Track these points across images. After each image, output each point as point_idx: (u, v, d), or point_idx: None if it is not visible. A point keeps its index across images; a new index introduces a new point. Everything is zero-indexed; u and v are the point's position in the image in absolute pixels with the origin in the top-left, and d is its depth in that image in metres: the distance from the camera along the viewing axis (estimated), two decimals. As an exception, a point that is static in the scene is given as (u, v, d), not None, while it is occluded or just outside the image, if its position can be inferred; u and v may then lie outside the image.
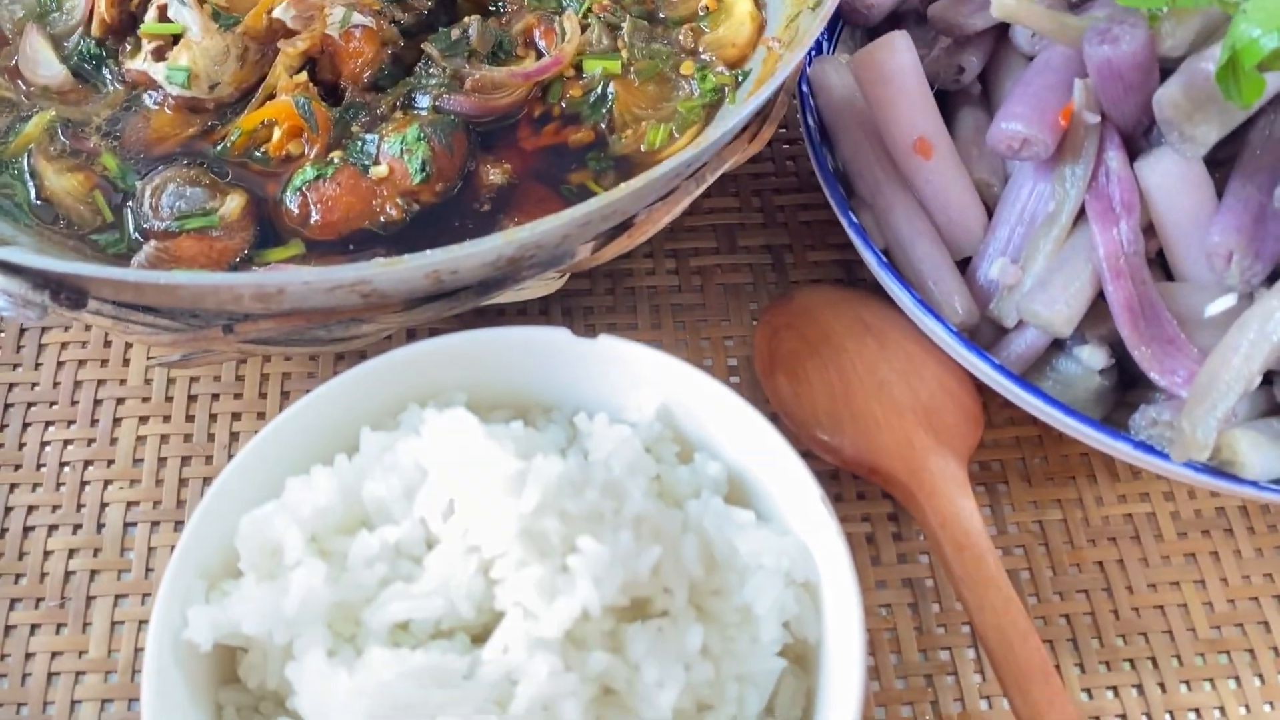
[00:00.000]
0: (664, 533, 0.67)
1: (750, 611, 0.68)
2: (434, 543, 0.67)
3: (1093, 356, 0.86)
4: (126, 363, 0.95)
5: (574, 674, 0.61)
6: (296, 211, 0.87)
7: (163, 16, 0.92)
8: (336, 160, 0.88)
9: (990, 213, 0.92)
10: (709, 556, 0.69)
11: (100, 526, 0.88)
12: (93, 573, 0.86)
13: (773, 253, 1.04)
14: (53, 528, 0.88)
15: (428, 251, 0.72)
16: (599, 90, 0.93)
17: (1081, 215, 0.86)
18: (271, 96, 0.91)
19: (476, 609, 0.64)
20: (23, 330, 0.96)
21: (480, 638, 0.65)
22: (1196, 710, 0.83)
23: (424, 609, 0.63)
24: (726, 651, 0.66)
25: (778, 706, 0.69)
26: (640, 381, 0.77)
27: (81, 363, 0.95)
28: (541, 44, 0.95)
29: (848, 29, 1.05)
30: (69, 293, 0.74)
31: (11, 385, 0.94)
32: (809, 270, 1.03)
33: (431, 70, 0.92)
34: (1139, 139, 0.87)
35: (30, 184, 0.89)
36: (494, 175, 0.90)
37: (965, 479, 0.84)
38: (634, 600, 0.66)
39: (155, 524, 0.88)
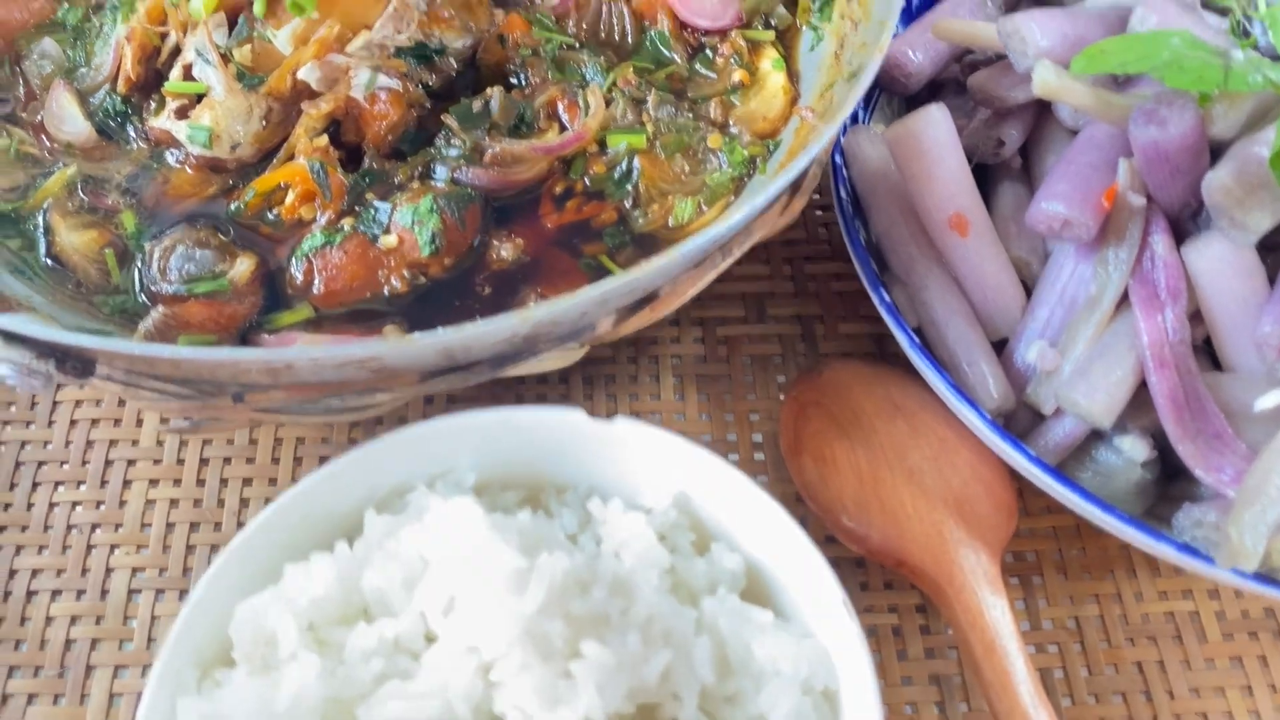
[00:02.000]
0: (675, 635, 0.64)
1: (764, 721, 0.64)
2: (433, 638, 0.64)
3: (1134, 448, 0.82)
4: (140, 423, 0.94)
5: (574, 788, 0.58)
6: (301, 279, 0.85)
7: (188, 75, 0.91)
8: (346, 228, 0.86)
9: (1028, 292, 0.88)
10: (723, 660, 0.65)
11: (104, 593, 0.86)
12: (94, 641, 0.84)
13: (803, 323, 1.01)
14: (56, 593, 0.86)
15: (439, 329, 0.69)
16: (624, 165, 0.91)
17: (1124, 300, 0.83)
18: (293, 158, 0.90)
19: (474, 712, 0.61)
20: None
21: (478, 741, 0.62)
22: (1240, 830, 0.79)
23: (420, 710, 0.60)
24: (737, 764, 0.63)
25: (791, 820, 0.65)
26: (658, 466, 0.74)
27: (94, 422, 0.94)
28: (565, 117, 0.93)
29: (884, 97, 1.02)
30: (75, 362, 0.72)
31: (24, 443, 0.93)
32: (840, 342, 1.00)
33: (452, 141, 0.90)
34: (1186, 222, 0.83)
35: (42, 240, 0.88)
36: (505, 251, 0.88)
37: (998, 575, 0.80)
38: (640, 707, 0.63)
39: (160, 592, 0.86)
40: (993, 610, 0.78)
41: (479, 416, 0.73)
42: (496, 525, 0.64)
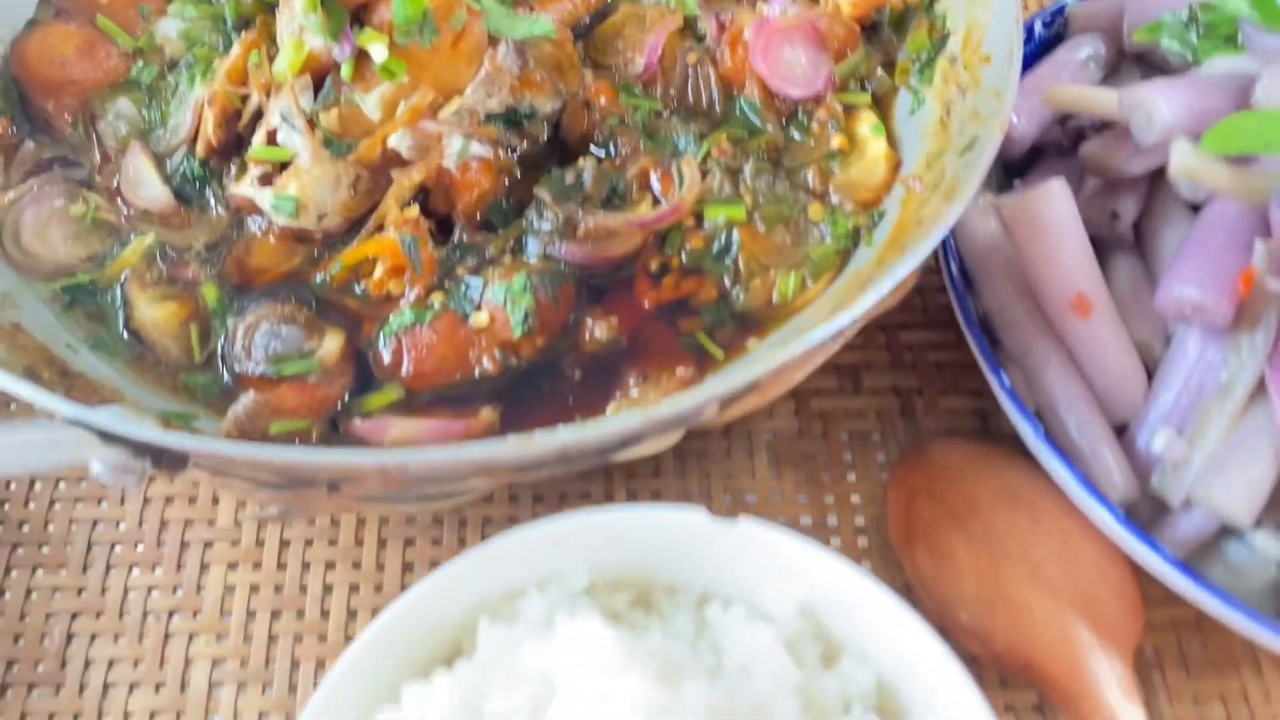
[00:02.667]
0: (818, 767, 0.60)
1: None
2: (564, 773, 0.60)
3: (1270, 545, 0.78)
4: (216, 503, 0.90)
5: None
6: (389, 359, 0.82)
7: (272, 140, 0.87)
8: (436, 305, 0.83)
9: (1149, 375, 0.84)
10: (867, 793, 0.61)
11: (184, 686, 0.83)
12: (174, 741, 0.81)
13: (900, 396, 0.97)
14: (134, 685, 0.83)
15: (560, 429, 0.66)
16: (723, 239, 0.87)
17: (1259, 388, 0.79)
18: (381, 228, 0.86)
19: None
20: (110, 465, 0.91)
21: None
22: None
23: None
24: None
25: None
26: (780, 568, 0.70)
27: (169, 500, 0.91)
28: (657, 188, 0.89)
29: (985, 161, 0.98)
30: (170, 457, 0.68)
31: (96, 522, 0.90)
32: (940, 417, 0.96)
33: (545, 214, 0.86)
34: (1326, 308, 0.79)
35: (120, 314, 0.84)
36: (599, 331, 0.84)
37: (1133, 683, 0.76)
38: None
39: (242, 685, 0.83)
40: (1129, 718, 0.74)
41: (593, 518, 0.69)
42: (629, 648, 0.60)
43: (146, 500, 0.90)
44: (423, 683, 0.63)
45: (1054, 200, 0.84)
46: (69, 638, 0.84)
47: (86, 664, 0.83)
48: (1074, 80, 0.97)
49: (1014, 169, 1.00)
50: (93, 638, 0.84)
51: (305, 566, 0.87)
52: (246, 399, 0.78)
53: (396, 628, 0.64)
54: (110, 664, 0.83)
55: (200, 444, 0.65)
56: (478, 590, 0.68)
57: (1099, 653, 0.76)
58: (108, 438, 0.65)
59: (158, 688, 0.82)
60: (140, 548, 0.88)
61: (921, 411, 0.97)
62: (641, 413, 0.67)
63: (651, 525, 0.70)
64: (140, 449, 0.66)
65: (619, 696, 0.58)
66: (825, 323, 0.72)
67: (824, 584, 0.69)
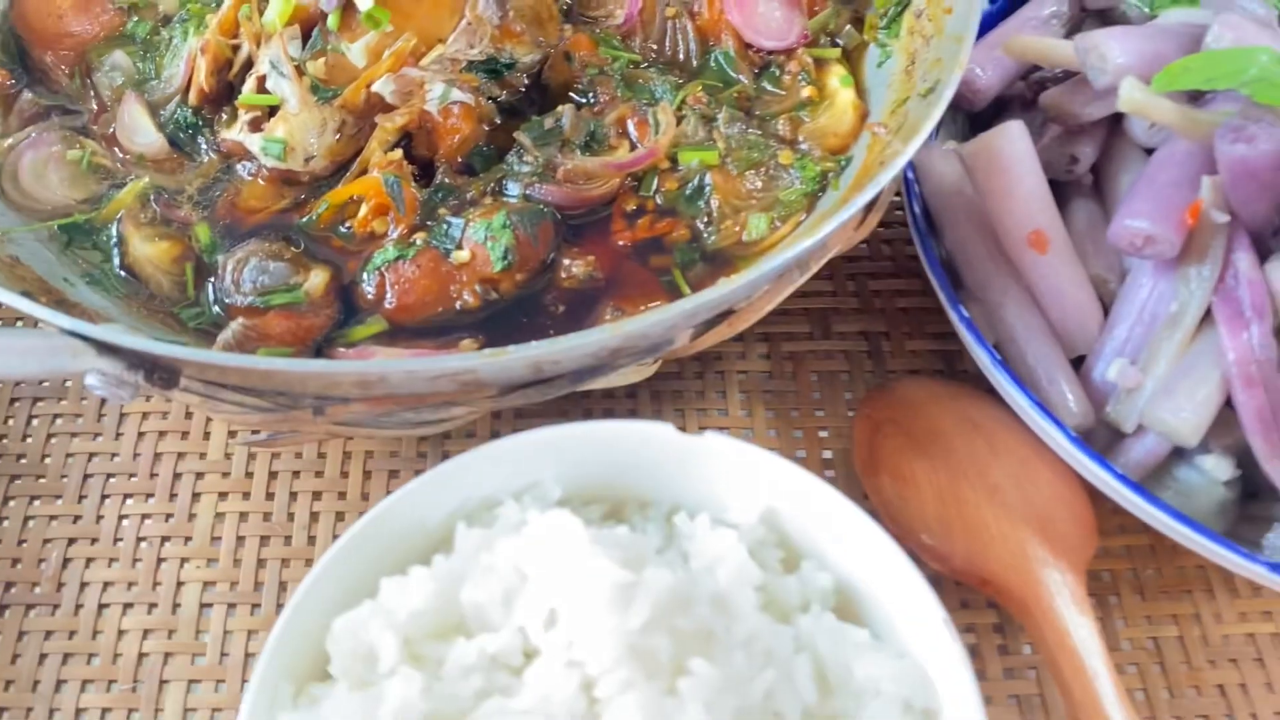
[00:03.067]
0: (776, 653, 0.63)
1: (867, 740, 0.64)
2: (533, 654, 0.63)
3: (1218, 467, 0.82)
4: (207, 436, 0.93)
5: (682, 806, 0.57)
6: (373, 292, 0.85)
7: (261, 88, 0.91)
8: (419, 242, 0.86)
9: (1106, 310, 0.88)
10: (823, 679, 0.65)
11: (176, 606, 0.86)
12: (167, 655, 0.84)
13: (869, 340, 1.01)
14: (128, 606, 0.86)
15: (533, 343, 0.69)
16: (696, 182, 0.91)
17: (1206, 317, 0.82)
18: (366, 171, 0.90)
19: (579, 729, 0.60)
20: (104, 400, 0.95)
21: (581, 760, 0.61)
22: None
23: (524, 727, 0.60)
24: (842, 782, 0.62)
25: (891, 840, 0.64)
26: (744, 481, 0.73)
27: (162, 434, 0.94)
28: (635, 135, 0.92)
29: (949, 113, 1.01)
30: (162, 373, 0.72)
31: (92, 455, 0.93)
32: (907, 360, 1.00)
33: (525, 158, 0.90)
34: (1269, 240, 0.83)
35: (116, 251, 0.88)
36: (577, 268, 0.87)
37: (1084, 595, 0.79)
38: (745, 726, 0.62)
39: (232, 606, 0.86)
40: (1080, 630, 0.77)
41: (567, 431, 0.72)
42: (597, 539, 0.64)
43: (141, 435, 0.94)
44: (400, 576, 0.66)
45: (1012, 139, 0.88)
46: (65, 562, 0.87)
47: (82, 586, 0.86)
48: (1037, 34, 1.01)
49: (979, 122, 1.03)
50: (88, 562, 0.87)
51: (293, 496, 0.91)
52: (236, 325, 0.81)
53: (375, 529, 0.68)
54: (105, 586, 0.86)
55: (193, 354, 0.68)
56: (455, 498, 0.71)
57: (1051, 567, 0.80)
58: (104, 348, 0.68)
59: (150, 608, 0.86)
60: (134, 479, 0.91)
61: (889, 354, 1.00)
62: (611, 328, 0.70)
63: (621, 438, 0.73)
64: (134, 360, 0.69)
65: (584, 579, 0.61)
66: (788, 250, 0.76)
67: (786, 493, 0.72)
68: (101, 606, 0.86)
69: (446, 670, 0.62)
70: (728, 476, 0.73)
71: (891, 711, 0.63)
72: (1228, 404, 0.81)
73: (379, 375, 0.69)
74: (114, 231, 0.88)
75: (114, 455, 0.93)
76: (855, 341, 1.01)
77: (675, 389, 0.98)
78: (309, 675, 0.65)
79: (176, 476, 0.92)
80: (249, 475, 0.92)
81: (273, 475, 0.92)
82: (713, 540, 0.69)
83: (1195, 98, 0.88)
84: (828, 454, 0.94)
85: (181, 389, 0.75)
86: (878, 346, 1.00)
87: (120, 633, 0.85)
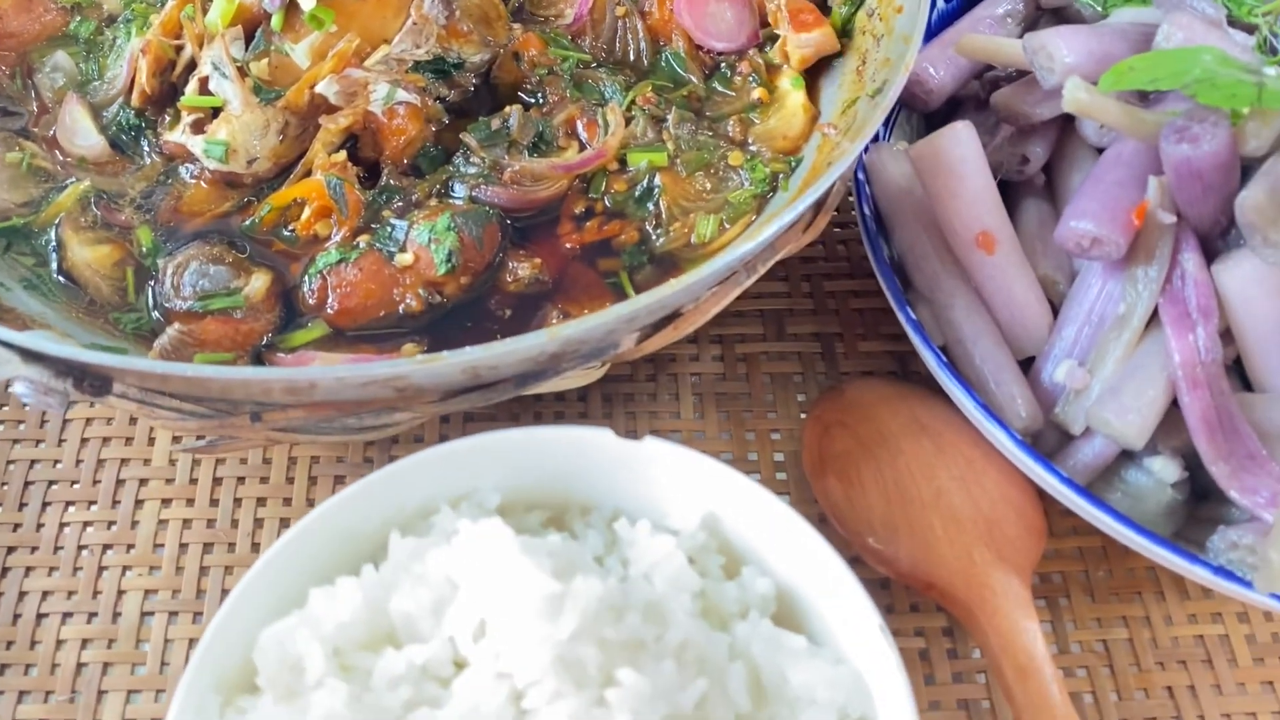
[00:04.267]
0: (710, 661, 0.63)
1: (801, 749, 0.63)
2: (463, 664, 0.62)
3: (1165, 469, 0.81)
4: (151, 442, 0.92)
5: (610, 817, 0.57)
6: (315, 296, 0.84)
7: (204, 89, 0.90)
8: (362, 245, 0.85)
9: (1055, 311, 0.87)
10: (757, 687, 0.64)
11: (116, 615, 0.85)
12: (105, 665, 0.83)
13: (822, 341, 1.00)
14: (67, 615, 0.85)
15: (468, 348, 0.68)
16: (645, 183, 0.90)
17: (1154, 319, 0.82)
18: (310, 173, 0.89)
19: (508, 741, 0.59)
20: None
21: (510, 772, 0.60)
22: None
23: (452, 739, 0.59)
24: (775, 792, 0.61)
25: None
26: (686, 486, 0.72)
27: (105, 440, 0.92)
28: (584, 136, 0.92)
29: (904, 114, 1.01)
30: (92, 380, 0.71)
31: (33, 462, 0.91)
32: (860, 361, 0.99)
33: (471, 159, 0.89)
34: (1216, 240, 0.82)
35: (54, 256, 0.86)
36: (523, 270, 0.86)
37: (1029, 598, 0.78)
38: (676, 735, 0.61)
39: (173, 614, 0.85)
40: (1025, 634, 0.76)
41: (504, 436, 0.71)
42: (527, 548, 0.63)
43: (84, 441, 0.92)
44: (328, 586, 0.65)
45: (960, 140, 0.87)
46: (3, 571, 0.86)
47: (21, 595, 0.85)
48: (991, 33, 1.00)
49: (934, 122, 1.02)
50: (28, 570, 0.86)
51: (237, 502, 0.90)
52: (173, 330, 0.80)
53: (307, 537, 0.67)
54: (44, 595, 0.85)
55: (117, 361, 0.67)
56: (391, 506, 0.70)
57: (997, 569, 0.79)
58: (29, 355, 0.67)
59: (90, 617, 0.84)
60: (76, 486, 0.90)
61: (842, 355, 0.99)
62: (547, 333, 0.70)
63: (561, 444, 0.72)
64: (61, 368, 0.68)
65: (513, 589, 0.60)
66: (730, 249, 0.75)
67: (726, 499, 0.72)
68: (40, 616, 0.85)
69: (374, 681, 0.61)
70: (669, 481, 0.73)
71: (826, 718, 0.63)
72: (1175, 406, 0.80)
73: (309, 382, 0.68)
74: (52, 235, 0.87)
75: (56, 462, 0.91)
76: (809, 343, 1.00)
77: (627, 391, 0.97)
78: (237, 687, 0.64)
79: (119, 483, 0.91)
80: (193, 481, 0.91)
81: (217, 481, 0.91)
82: (653, 546, 0.69)
83: (1145, 97, 0.87)
84: (779, 456, 0.94)
85: (117, 395, 0.74)
86: (831, 347, 1.00)
87: (59, 642, 0.83)
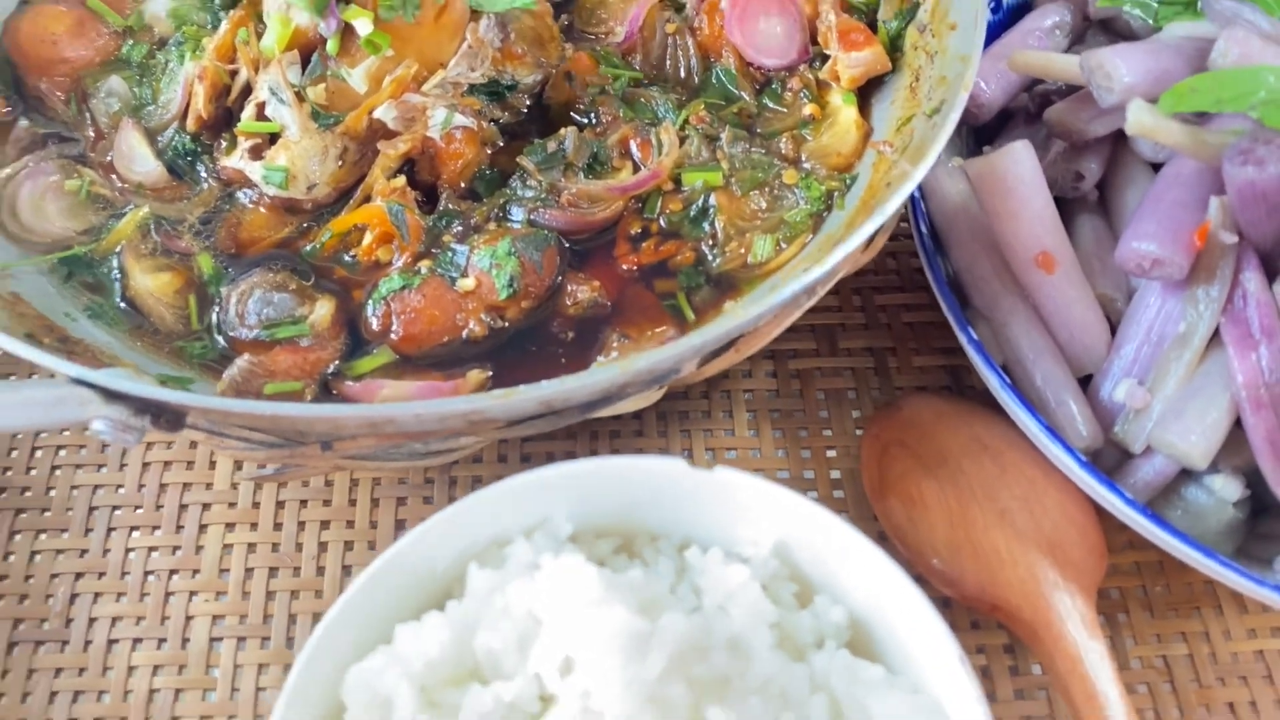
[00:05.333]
0: (792, 695, 0.63)
1: (884, 780, 0.64)
2: (550, 700, 0.63)
3: (1227, 488, 0.82)
4: (213, 466, 0.93)
5: None
6: (378, 323, 0.84)
7: (261, 114, 0.90)
8: (424, 270, 0.85)
9: (1113, 329, 0.88)
10: (839, 719, 0.65)
11: (185, 641, 0.86)
12: (177, 691, 0.84)
13: (875, 355, 1.01)
14: (137, 641, 0.86)
15: (544, 382, 0.69)
16: (700, 203, 0.90)
17: (1215, 339, 0.82)
18: (369, 198, 0.89)
19: (597, 779, 0.60)
20: (109, 432, 0.94)
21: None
22: None
23: (543, 777, 0.60)
24: (859, 825, 0.62)
25: None
26: (756, 513, 0.73)
27: (167, 465, 0.93)
28: (638, 156, 0.92)
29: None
30: (169, 415, 0.71)
31: (97, 487, 0.92)
32: (914, 376, 0.99)
33: (528, 182, 0.89)
34: (1278, 260, 0.82)
35: (117, 284, 0.87)
36: (582, 294, 0.87)
37: (1094, 619, 0.79)
38: (763, 773, 0.62)
39: (241, 640, 0.86)
40: (1090, 654, 0.77)
41: (577, 466, 0.72)
42: (610, 583, 0.64)
43: (145, 465, 0.93)
44: (415, 623, 0.65)
45: (1019, 160, 0.87)
46: (73, 597, 0.87)
47: (90, 621, 0.86)
48: (1040, 47, 1.00)
49: (983, 135, 1.03)
50: (96, 596, 0.87)
51: (300, 526, 0.90)
52: (241, 362, 0.81)
53: (388, 573, 0.67)
54: (114, 621, 0.86)
55: (199, 400, 0.68)
56: (466, 538, 0.71)
57: (1062, 591, 0.80)
58: (110, 395, 0.68)
59: (160, 643, 0.85)
60: (140, 511, 0.91)
61: (895, 370, 1.00)
62: (619, 366, 0.70)
63: (632, 474, 0.73)
64: (140, 406, 0.69)
65: (600, 626, 0.61)
66: (796, 279, 0.75)
67: (797, 527, 0.72)
68: (111, 642, 0.86)
69: (463, 718, 0.62)
70: (739, 508, 0.73)
71: (909, 752, 0.63)
72: (1237, 424, 0.81)
73: (387, 418, 0.68)
74: (114, 264, 0.87)
75: (119, 487, 0.92)
76: (862, 358, 1.01)
77: (682, 409, 0.98)
78: (325, 722, 0.65)
79: (183, 508, 0.91)
80: (255, 506, 0.91)
81: (279, 505, 0.91)
82: (726, 575, 0.69)
83: (1202, 114, 0.87)
84: (835, 474, 0.94)
85: (188, 426, 0.74)
86: (884, 363, 1.00)
87: (130, 669, 0.84)
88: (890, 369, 1.00)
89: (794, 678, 0.64)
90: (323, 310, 0.85)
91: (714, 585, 0.69)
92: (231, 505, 0.91)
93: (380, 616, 0.67)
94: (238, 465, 0.93)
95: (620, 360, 0.69)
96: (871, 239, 0.87)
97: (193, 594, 0.87)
